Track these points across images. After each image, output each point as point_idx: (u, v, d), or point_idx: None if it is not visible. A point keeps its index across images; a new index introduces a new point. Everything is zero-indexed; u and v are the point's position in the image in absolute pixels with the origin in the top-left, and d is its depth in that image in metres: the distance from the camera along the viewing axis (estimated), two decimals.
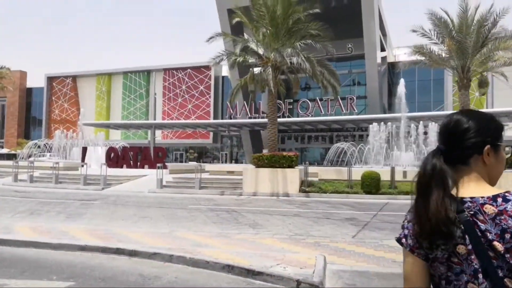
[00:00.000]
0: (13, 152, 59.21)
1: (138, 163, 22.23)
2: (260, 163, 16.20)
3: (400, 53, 59.78)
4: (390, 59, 57.57)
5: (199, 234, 7.92)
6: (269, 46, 16.44)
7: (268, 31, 15.43)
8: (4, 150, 63.68)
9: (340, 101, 47.79)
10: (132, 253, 6.16)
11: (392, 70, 57.15)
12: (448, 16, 14.97)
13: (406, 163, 24.71)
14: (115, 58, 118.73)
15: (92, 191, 17.60)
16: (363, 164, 27.18)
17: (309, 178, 16.42)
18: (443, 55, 15.03)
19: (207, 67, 63.58)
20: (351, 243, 7.22)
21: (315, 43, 16.32)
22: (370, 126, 27.67)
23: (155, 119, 56.95)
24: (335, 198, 15.11)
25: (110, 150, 22.68)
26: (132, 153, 22.54)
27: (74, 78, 71.18)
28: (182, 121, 58.60)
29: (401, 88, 28.42)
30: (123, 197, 15.06)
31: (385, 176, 15.74)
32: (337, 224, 9.33)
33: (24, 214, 10.41)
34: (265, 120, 49.42)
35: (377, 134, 27.34)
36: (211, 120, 58.76)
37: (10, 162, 31.18)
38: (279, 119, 48.19)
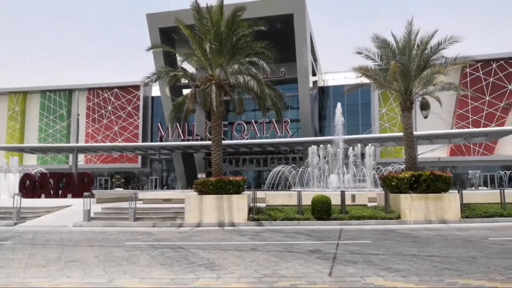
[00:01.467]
0: None
1: (60, 192, 19.50)
2: (204, 189, 14.79)
3: (329, 78, 62.76)
4: (320, 84, 59.85)
5: (147, 282, 6.39)
6: (213, 63, 15.42)
7: (213, 46, 14.44)
8: None
9: (275, 124, 48.10)
10: None
11: (322, 94, 59.30)
12: (394, 38, 15.27)
13: (346, 186, 24.88)
14: (31, 76, 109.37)
15: (2, 227, 14.74)
16: (304, 187, 26.94)
17: (257, 204, 15.36)
18: (388, 77, 15.17)
19: (136, 87, 60.65)
20: (332, 284, 6.21)
21: (258, 60, 15.65)
22: (310, 148, 27.70)
23: (77, 142, 52.33)
24: (287, 226, 14.17)
25: (25, 177, 19.70)
26: (52, 180, 19.75)
27: None
28: (108, 143, 54.72)
29: (338, 112, 29.01)
30: (42, 234, 12.67)
31: (334, 200, 15.22)
32: (304, 258, 8.31)
33: None
34: (200, 142, 48.12)
35: (315, 156, 27.37)
36: (140, 143, 55.69)
37: None
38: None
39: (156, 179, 60.87)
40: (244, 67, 15.00)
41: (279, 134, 47.88)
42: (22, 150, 51.26)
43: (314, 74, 55.06)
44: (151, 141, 58.32)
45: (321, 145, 28.04)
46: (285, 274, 6.92)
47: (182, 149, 50.84)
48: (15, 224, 15.20)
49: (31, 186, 19.35)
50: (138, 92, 60.53)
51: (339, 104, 30.21)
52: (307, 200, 15.59)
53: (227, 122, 51.63)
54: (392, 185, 15.26)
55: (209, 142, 48.75)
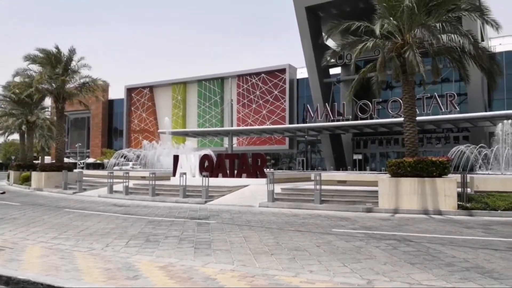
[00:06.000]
0: (98, 161, 61.29)
1: (235, 172, 19.86)
2: (400, 171, 12.84)
3: (496, 44, 52.99)
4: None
5: None
6: (407, 24, 13.15)
7: (411, 4, 12.22)
8: (91, 160, 66.33)
9: (438, 99, 42.85)
10: None
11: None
12: None
13: None
14: (190, 68, 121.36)
15: (195, 204, 15.40)
16: (491, 170, 22.66)
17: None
18: None
19: (282, 71, 61.16)
20: None
21: (470, 13, 12.76)
22: (500, 124, 23.08)
23: (232, 126, 55.45)
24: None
25: (204, 158, 20.64)
26: (228, 160, 20.27)
27: (151, 88, 72.52)
28: (259, 126, 56.59)
29: None
30: (237, 214, 12.54)
31: None
32: None
33: (139, 241, 8.15)
34: (350, 122, 45.74)
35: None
36: (289, 125, 55.98)
37: (99, 172, 30.91)
38: (368, 121, 44.01)
39: (303, 160, 60.91)
40: (450, 25, 12.40)
41: (443, 110, 42.40)
42: (186, 134, 56.72)
43: (482, 40, 47.07)
44: (297, 123, 58.29)
45: (509, 121, 23.23)
46: None
47: (330, 130, 49.27)
48: (205, 202, 15.73)
49: (210, 166, 20.15)
50: (284, 75, 60.98)
51: None
52: None
53: (380, 100, 48.04)
54: None
55: (359, 122, 46.22)
